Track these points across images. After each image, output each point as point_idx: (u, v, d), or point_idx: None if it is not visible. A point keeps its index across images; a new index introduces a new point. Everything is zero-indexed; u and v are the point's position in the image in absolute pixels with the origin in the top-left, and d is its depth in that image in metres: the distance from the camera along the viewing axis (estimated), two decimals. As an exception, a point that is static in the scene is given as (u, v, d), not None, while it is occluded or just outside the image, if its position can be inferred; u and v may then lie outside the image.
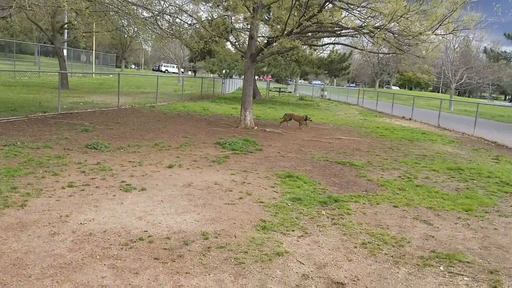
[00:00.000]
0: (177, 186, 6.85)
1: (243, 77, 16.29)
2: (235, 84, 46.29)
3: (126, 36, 48.31)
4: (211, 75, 42.23)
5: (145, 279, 3.85)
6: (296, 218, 5.72)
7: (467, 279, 4.31)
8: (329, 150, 11.27)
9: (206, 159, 9.07)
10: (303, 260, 4.47)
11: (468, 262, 4.69)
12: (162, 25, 16.77)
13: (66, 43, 31.81)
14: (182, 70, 55.49)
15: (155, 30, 17.79)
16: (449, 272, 4.44)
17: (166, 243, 4.63)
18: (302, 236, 5.13)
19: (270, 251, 4.60)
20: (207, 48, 17.46)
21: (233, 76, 39.71)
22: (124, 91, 23.67)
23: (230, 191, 6.80)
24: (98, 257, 4.20)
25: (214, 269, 4.12)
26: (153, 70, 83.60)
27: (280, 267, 4.27)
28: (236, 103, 23.79)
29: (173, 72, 73.02)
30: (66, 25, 26.65)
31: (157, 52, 59.54)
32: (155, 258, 4.25)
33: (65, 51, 30.49)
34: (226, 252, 4.51)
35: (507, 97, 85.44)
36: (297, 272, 4.20)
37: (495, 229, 5.90)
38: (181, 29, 16.76)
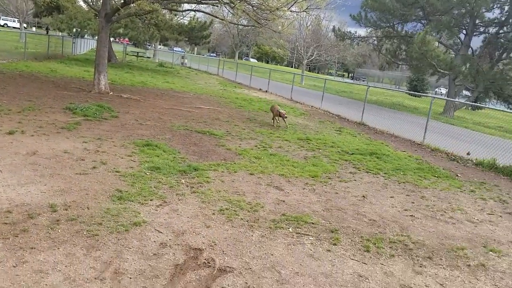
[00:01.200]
0: (19, 154, 6.14)
1: (96, 37, 15.12)
2: (87, 45, 42.92)
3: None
4: (60, 33, 38.48)
5: (-20, 259, 3.41)
6: (154, 187, 5.61)
7: (312, 238, 4.76)
8: (189, 119, 11.24)
9: (54, 125, 8.29)
10: (161, 229, 4.43)
11: (313, 223, 5.17)
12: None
13: None
14: (25, 25, 49.17)
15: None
16: (297, 233, 4.84)
17: (7, 217, 4.15)
18: (160, 205, 5.06)
19: (126, 221, 4.45)
20: (54, 3, 15.69)
21: (86, 36, 36.72)
22: (-50, 44, 20.19)
23: (82, 160, 6.35)
24: None
25: (64, 243, 3.83)
26: (-12, 23, 72.34)
27: (137, 237, 4.16)
28: (89, 65, 22.10)
29: (14, 27, 64.26)
30: None
31: (-7, 3, 51.60)
32: (-7, 235, 3.79)
33: None
34: (78, 224, 4.23)
35: (350, 75, 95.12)
36: (155, 241, 4.14)
37: (336, 193, 6.60)
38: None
